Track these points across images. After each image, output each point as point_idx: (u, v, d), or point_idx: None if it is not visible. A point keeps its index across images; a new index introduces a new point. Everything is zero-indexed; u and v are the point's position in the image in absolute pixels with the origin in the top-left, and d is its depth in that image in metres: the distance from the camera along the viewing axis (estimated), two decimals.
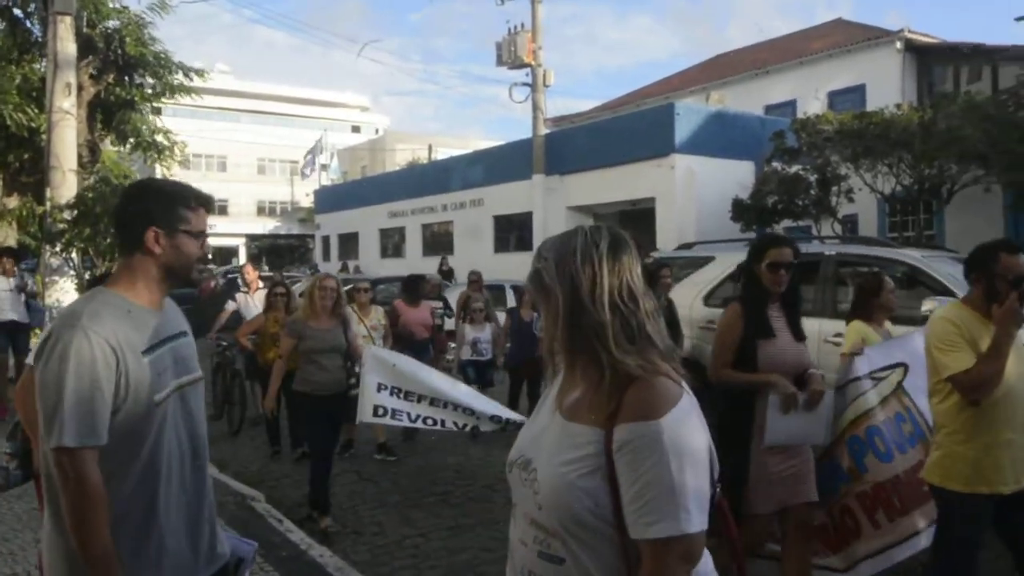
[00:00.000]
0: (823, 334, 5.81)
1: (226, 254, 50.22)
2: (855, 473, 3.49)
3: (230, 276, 24.59)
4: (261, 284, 8.73)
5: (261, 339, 7.13)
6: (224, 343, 8.19)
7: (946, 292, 5.36)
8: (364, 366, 5.40)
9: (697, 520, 1.32)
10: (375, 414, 5.39)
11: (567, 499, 1.37)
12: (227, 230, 49.91)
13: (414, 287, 8.00)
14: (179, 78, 12.68)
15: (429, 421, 5.50)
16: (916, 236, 13.78)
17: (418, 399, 5.46)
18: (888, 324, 4.42)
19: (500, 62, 20.75)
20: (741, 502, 3.11)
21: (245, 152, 50.44)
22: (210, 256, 48.51)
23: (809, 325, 5.72)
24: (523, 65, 20.39)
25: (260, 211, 52.52)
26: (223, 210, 50.72)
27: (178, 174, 18.45)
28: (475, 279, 9.19)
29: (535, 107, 20.33)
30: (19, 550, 4.66)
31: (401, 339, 7.31)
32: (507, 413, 5.69)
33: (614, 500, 1.35)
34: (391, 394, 5.40)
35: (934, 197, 12.75)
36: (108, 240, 9.13)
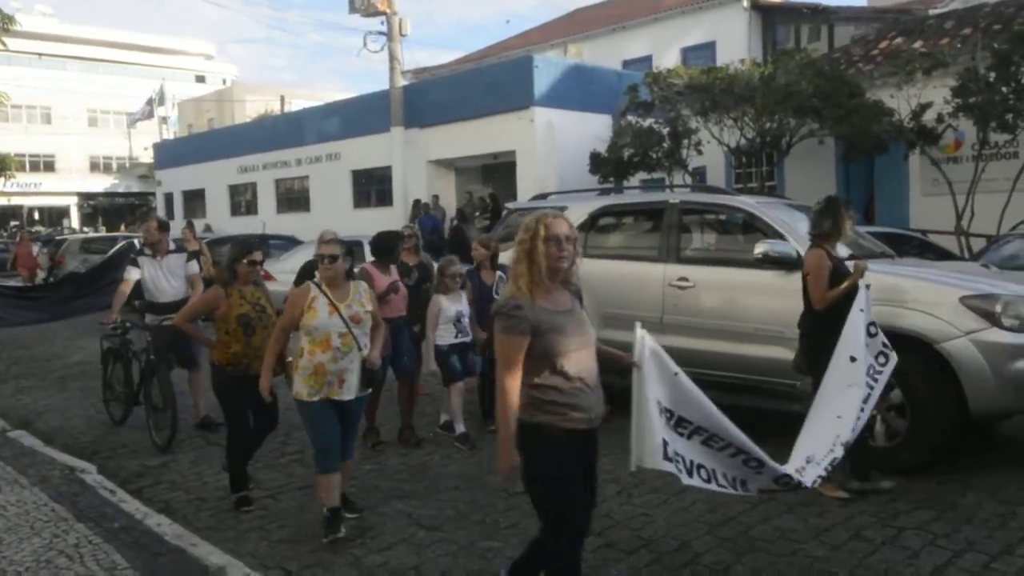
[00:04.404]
0: (667, 278, 5.98)
1: (56, 215, 46.08)
2: None
3: (57, 239, 22.61)
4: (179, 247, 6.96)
5: (219, 327, 4.71)
6: (128, 324, 6.50)
7: (777, 235, 5.60)
8: (640, 369, 3.07)
9: None
10: (665, 456, 3.04)
11: None
12: (56, 188, 45.68)
13: (390, 248, 5.75)
14: None
15: (702, 474, 3.20)
16: (759, 186, 14.53)
17: (690, 434, 3.19)
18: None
19: (353, 8, 19.84)
20: None
21: (73, 103, 46.14)
22: (36, 217, 44.59)
23: (653, 270, 5.94)
24: (377, 13, 19.61)
25: (93, 167, 48.39)
26: (50, 166, 46.38)
27: None
28: (410, 233, 6.78)
29: (392, 57, 19.65)
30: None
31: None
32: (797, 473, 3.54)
33: None
34: (667, 423, 3.13)
35: (775, 149, 13.45)
36: None
